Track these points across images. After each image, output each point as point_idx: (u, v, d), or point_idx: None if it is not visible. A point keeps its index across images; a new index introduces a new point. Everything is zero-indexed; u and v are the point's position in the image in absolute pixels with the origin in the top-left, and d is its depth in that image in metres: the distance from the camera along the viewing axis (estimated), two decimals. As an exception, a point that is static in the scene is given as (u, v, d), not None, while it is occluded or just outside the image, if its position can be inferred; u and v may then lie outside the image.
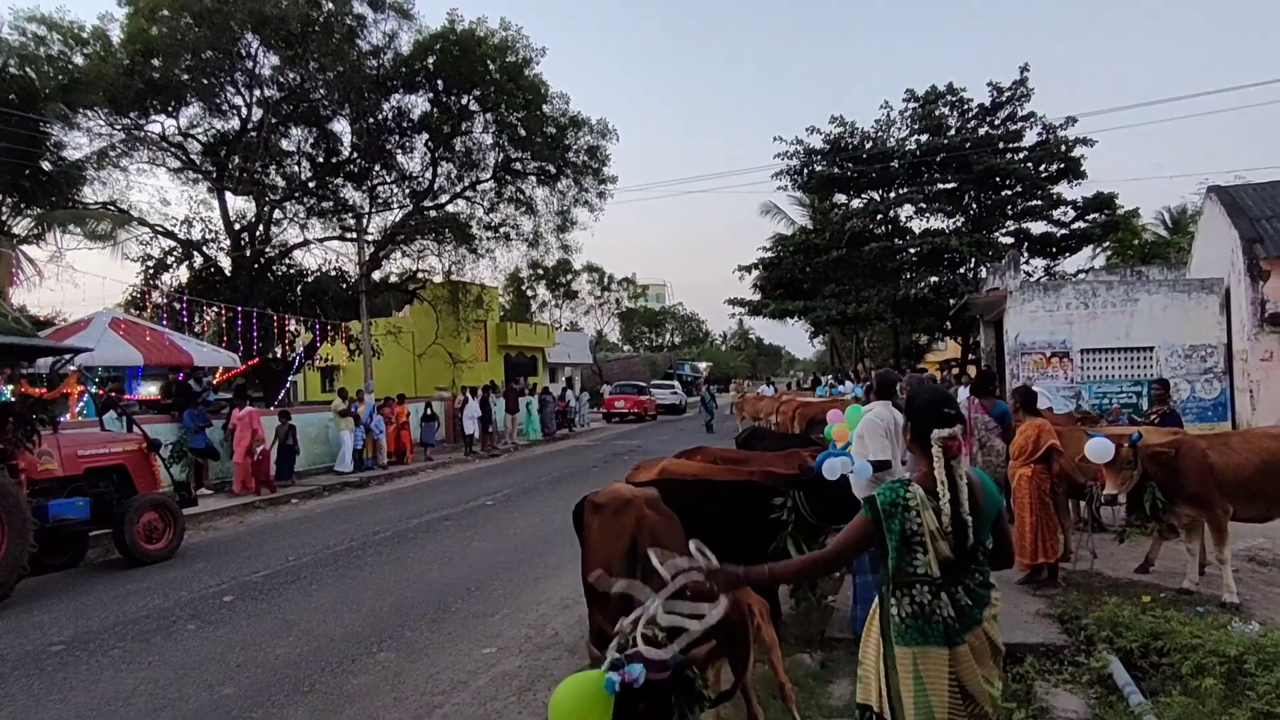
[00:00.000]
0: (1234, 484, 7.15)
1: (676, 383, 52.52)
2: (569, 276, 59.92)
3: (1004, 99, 31.17)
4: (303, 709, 5.79)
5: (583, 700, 3.07)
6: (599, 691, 3.02)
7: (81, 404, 14.29)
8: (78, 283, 27.40)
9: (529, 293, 58.82)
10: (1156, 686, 5.31)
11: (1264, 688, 4.72)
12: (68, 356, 10.84)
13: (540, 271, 53.05)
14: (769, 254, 36.10)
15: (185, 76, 23.29)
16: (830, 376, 35.23)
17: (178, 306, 22.25)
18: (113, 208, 23.79)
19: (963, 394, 12.48)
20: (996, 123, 31.66)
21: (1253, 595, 7.21)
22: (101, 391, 15.77)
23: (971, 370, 26.40)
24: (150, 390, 18.61)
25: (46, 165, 21.35)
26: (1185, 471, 7.17)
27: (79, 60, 22.55)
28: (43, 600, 8.95)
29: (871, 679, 3.19)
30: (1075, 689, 5.49)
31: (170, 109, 24.22)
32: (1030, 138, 31.37)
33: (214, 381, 19.23)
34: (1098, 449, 7.05)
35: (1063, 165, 30.70)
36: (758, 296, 37.01)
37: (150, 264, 24.88)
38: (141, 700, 5.97)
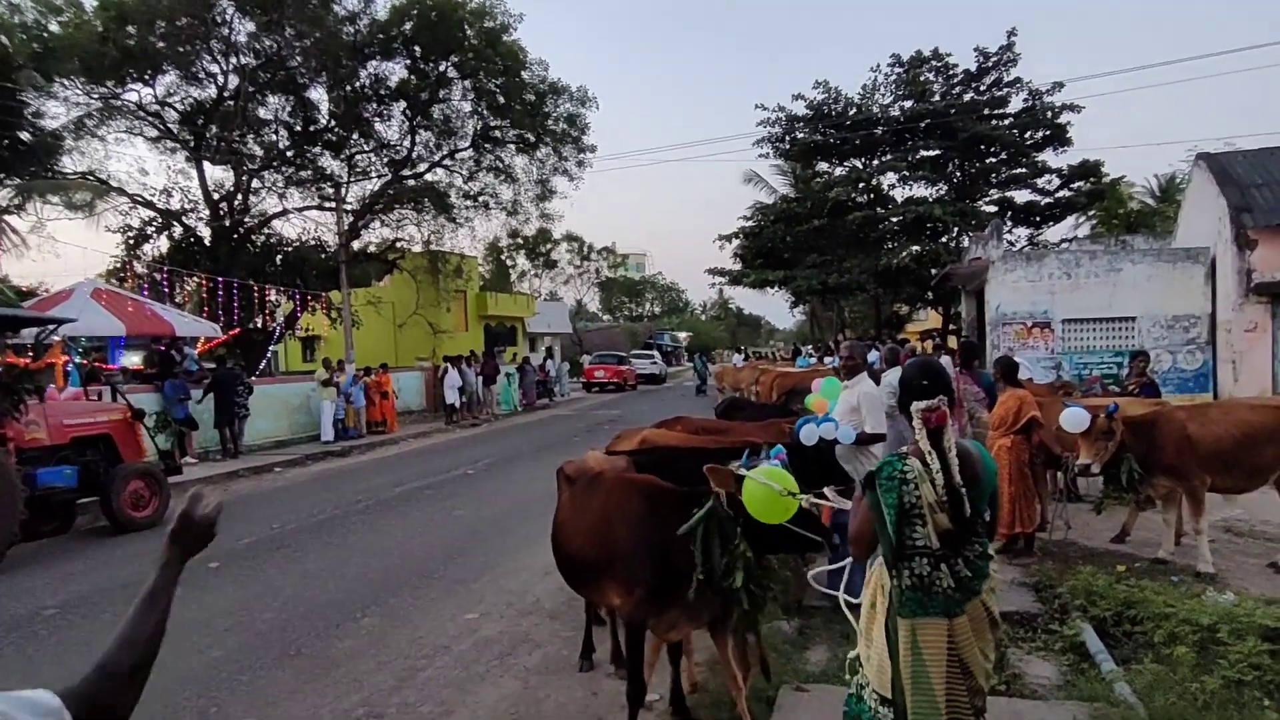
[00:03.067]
0: (1212, 455, 7.19)
1: (656, 353, 52.42)
2: (548, 246, 59.60)
3: (990, 64, 30.77)
4: (290, 671, 5.87)
5: (779, 477, 3.83)
6: (782, 471, 3.89)
7: (68, 373, 14.25)
8: (59, 253, 27.41)
9: (508, 262, 58.47)
10: (1129, 654, 5.40)
11: (1235, 656, 4.78)
12: (52, 327, 10.81)
13: (520, 241, 52.79)
14: (750, 223, 35.73)
15: (161, 44, 22.87)
16: (810, 346, 35.18)
17: (158, 277, 22.11)
18: (91, 178, 23.50)
19: (946, 363, 12.58)
20: (982, 89, 31.31)
21: (1228, 566, 7.30)
22: (85, 362, 15.69)
23: (952, 341, 26.49)
24: (133, 360, 18.54)
25: (25, 135, 21.07)
26: (1163, 442, 7.23)
27: (54, 28, 22.15)
28: (34, 566, 9.03)
29: (866, 639, 3.25)
30: (1048, 656, 5.58)
31: (146, 77, 23.78)
32: (1016, 104, 31.07)
33: (196, 352, 19.16)
34: (1073, 419, 7.11)
35: (1049, 132, 30.39)
36: (738, 266, 36.66)
37: (130, 234, 24.65)
38: (130, 665, 6.01)
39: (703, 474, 4.24)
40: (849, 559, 3.56)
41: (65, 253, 43.93)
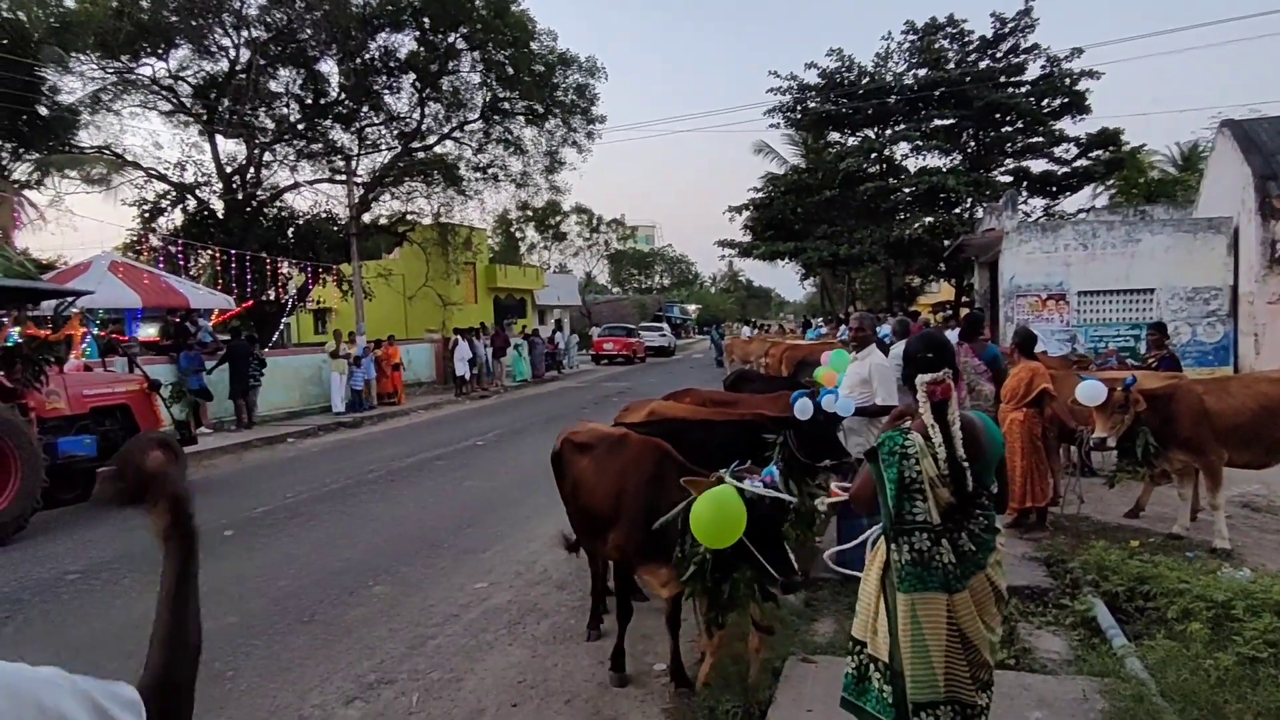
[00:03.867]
0: (1230, 429, 7.06)
1: (665, 325, 52.26)
2: (558, 218, 59.33)
3: (1007, 30, 30.12)
4: (304, 637, 5.95)
5: (723, 504, 3.88)
6: (733, 496, 3.91)
7: (85, 345, 14.40)
8: (77, 227, 27.72)
9: (518, 235, 58.30)
10: (1141, 630, 5.34)
11: (1250, 633, 4.71)
12: (70, 299, 10.90)
13: (529, 213, 52.54)
14: (760, 194, 35.31)
15: (173, 18, 22.92)
16: (820, 318, 34.96)
17: (173, 250, 22.19)
18: (107, 152, 23.58)
19: (953, 337, 12.49)
20: (998, 55, 30.68)
21: (1245, 542, 7.22)
22: (104, 333, 15.82)
23: (964, 313, 26.29)
24: (150, 332, 18.69)
25: (43, 110, 21.16)
26: (1180, 416, 7.09)
27: (69, 3, 22.21)
28: (56, 533, 9.18)
29: (865, 617, 3.25)
30: (1059, 631, 5.53)
31: (160, 51, 23.83)
32: (1033, 71, 30.39)
33: (210, 324, 19.29)
34: (1089, 391, 6.97)
35: (1066, 100, 29.66)
36: (748, 238, 36.44)
37: (145, 208, 24.84)
38: (151, 626, 6.09)
39: (709, 446, 4.31)
40: (861, 537, 3.57)
41: (83, 226, 44.30)
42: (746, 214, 35.68)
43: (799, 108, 33.03)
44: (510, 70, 27.42)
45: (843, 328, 21.92)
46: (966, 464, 3.04)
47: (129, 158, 24.09)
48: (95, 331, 15.41)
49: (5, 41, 19.12)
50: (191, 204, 25.44)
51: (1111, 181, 31.53)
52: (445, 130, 29.17)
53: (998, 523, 3.20)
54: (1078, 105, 29.79)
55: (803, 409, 5.71)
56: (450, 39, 26.85)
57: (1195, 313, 16.94)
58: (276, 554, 8.11)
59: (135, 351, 14.41)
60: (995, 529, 3.15)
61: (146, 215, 24.78)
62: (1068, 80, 29.45)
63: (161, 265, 21.04)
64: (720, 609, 4.42)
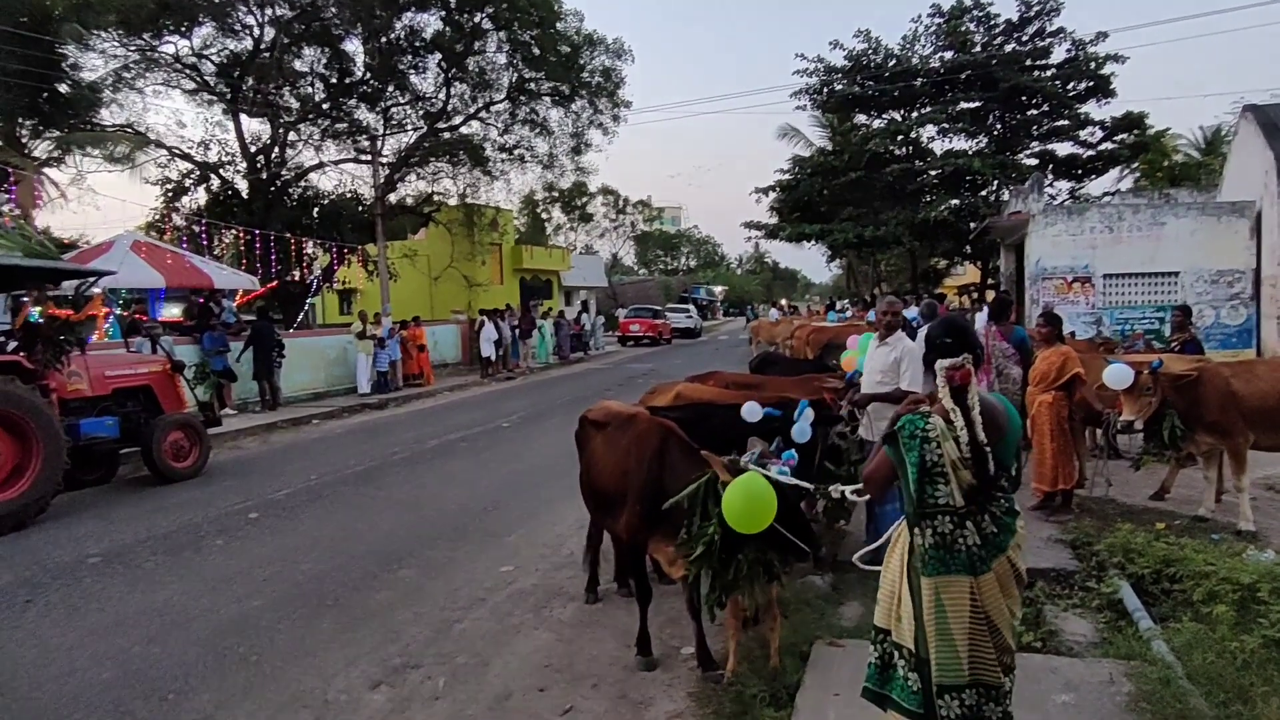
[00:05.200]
0: (1257, 412, 7.05)
1: (692, 306, 52.20)
2: (584, 199, 59.19)
3: (1032, 14, 29.90)
4: (328, 621, 5.98)
5: (755, 491, 3.90)
6: (763, 483, 3.93)
7: (108, 326, 14.47)
8: (99, 205, 27.84)
9: (544, 215, 58.25)
10: (1167, 613, 5.34)
11: (1276, 615, 4.69)
12: (92, 279, 10.95)
13: (555, 194, 52.51)
14: (786, 176, 35.21)
15: (197, -5, 22.90)
16: (846, 301, 34.81)
17: (197, 229, 22.31)
18: (130, 130, 23.57)
19: (981, 319, 12.39)
20: (1024, 39, 30.46)
21: (1270, 524, 7.19)
22: (126, 314, 15.91)
23: (990, 295, 26.13)
24: (173, 312, 18.79)
25: (64, 88, 21.18)
26: (1206, 399, 7.08)
27: None
28: (77, 515, 9.21)
29: (887, 604, 3.26)
30: (1085, 613, 5.55)
31: (183, 29, 23.82)
32: (1059, 54, 30.17)
33: (234, 304, 19.36)
34: (1117, 375, 6.99)
35: (1092, 83, 29.57)
36: (774, 220, 36.42)
37: (169, 187, 24.85)
38: (175, 611, 6.17)
39: (734, 428, 4.32)
40: (887, 534, 3.54)
41: (105, 205, 44.55)
42: (773, 195, 35.64)
43: (825, 90, 32.88)
44: (536, 51, 27.29)
45: (871, 310, 21.84)
46: (988, 447, 3.06)
47: (152, 136, 24.11)
48: (118, 312, 15.52)
49: (25, 19, 19.13)
50: (215, 183, 25.48)
51: (1136, 165, 31.31)
52: (471, 110, 29.14)
53: (1016, 505, 3.21)
54: (1102, 89, 29.69)
55: (750, 411, 5.64)
56: (476, 19, 26.75)
57: (1219, 295, 16.94)
58: (300, 537, 8.15)
59: (158, 332, 14.47)
60: (1015, 511, 3.17)
61: (170, 194, 24.81)
62: (1093, 64, 29.29)
63: (185, 245, 21.16)
64: (725, 589, 4.41)
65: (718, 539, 4.25)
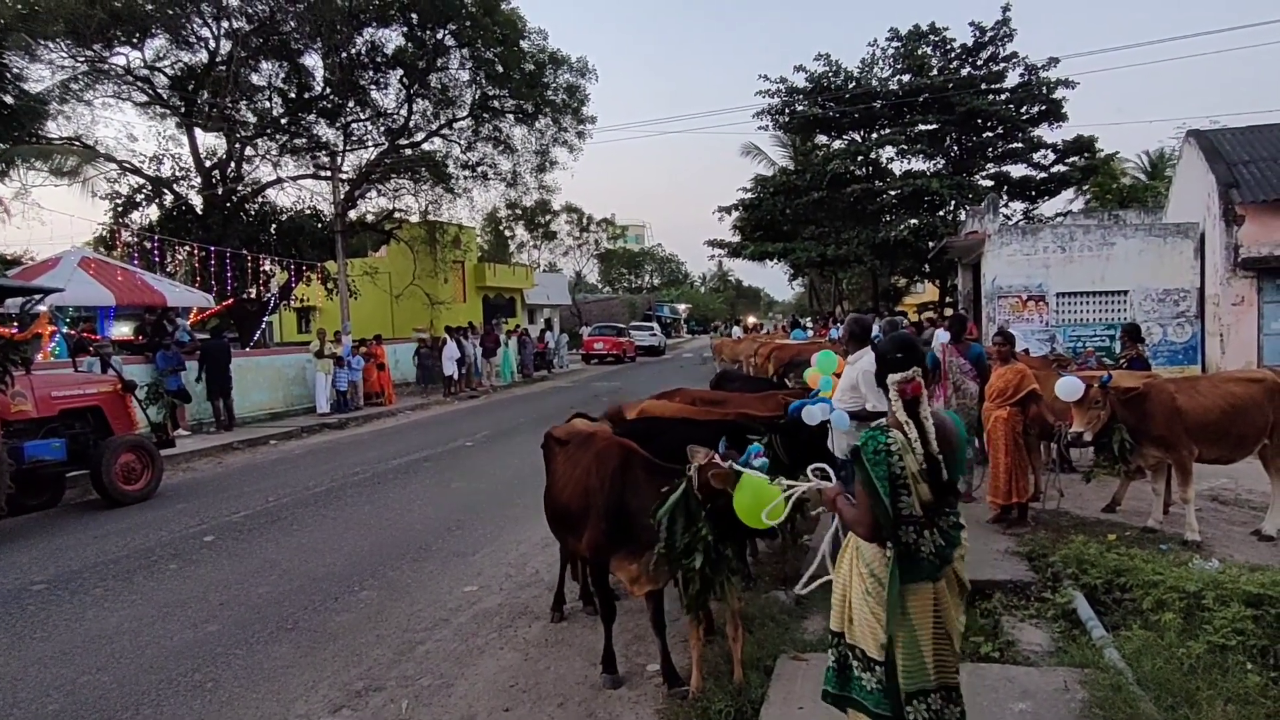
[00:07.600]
0: (1200, 426, 7.30)
1: (655, 324, 52.30)
2: (547, 217, 59.26)
3: (986, 39, 30.84)
4: (287, 645, 5.88)
5: (761, 492, 3.88)
6: (764, 483, 3.92)
7: (54, 345, 14.14)
8: (45, 220, 26.97)
9: (507, 233, 58.16)
10: (1118, 621, 5.51)
11: (1220, 622, 4.88)
12: (38, 296, 10.71)
13: (518, 212, 52.48)
14: (749, 195, 35.62)
15: (149, 6, 22.46)
16: (809, 319, 35.12)
17: (149, 245, 21.84)
18: (78, 143, 23.01)
19: (941, 336, 12.59)
20: (979, 63, 31.31)
21: (1214, 533, 7.42)
22: (73, 332, 15.57)
23: (948, 313, 26.47)
24: (123, 331, 18.39)
25: (8, 99, 20.65)
26: (1153, 414, 7.32)
27: None
28: (22, 541, 8.95)
29: (840, 607, 3.35)
30: (1041, 623, 5.72)
31: (135, 40, 23.25)
32: (1012, 79, 31.10)
33: (189, 323, 19.01)
34: (1068, 387, 7.18)
35: (1044, 107, 30.57)
36: (737, 238, 36.77)
37: (119, 202, 24.08)
38: (125, 638, 6.03)
39: (698, 444, 4.36)
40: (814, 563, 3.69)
41: (51, 220, 43.50)
42: (736, 214, 36.08)
43: (787, 110, 33.44)
44: (500, 68, 27.24)
45: (834, 327, 22.05)
46: (941, 458, 3.14)
47: (101, 150, 23.48)
48: (65, 330, 15.18)
49: None
50: (169, 198, 24.82)
51: (1087, 187, 32.20)
52: (434, 127, 29.00)
53: (961, 518, 3.30)
54: (1054, 113, 30.73)
55: (810, 415, 5.76)
56: (439, 35, 26.63)
57: (1166, 313, 17.53)
58: (258, 560, 8.02)
59: (108, 351, 14.16)
60: (961, 524, 3.27)
61: (120, 209, 24.02)
62: (1045, 88, 30.30)
63: (136, 262, 20.67)
64: (707, 590, 4.46)
65: (711, 539, 4.30)
